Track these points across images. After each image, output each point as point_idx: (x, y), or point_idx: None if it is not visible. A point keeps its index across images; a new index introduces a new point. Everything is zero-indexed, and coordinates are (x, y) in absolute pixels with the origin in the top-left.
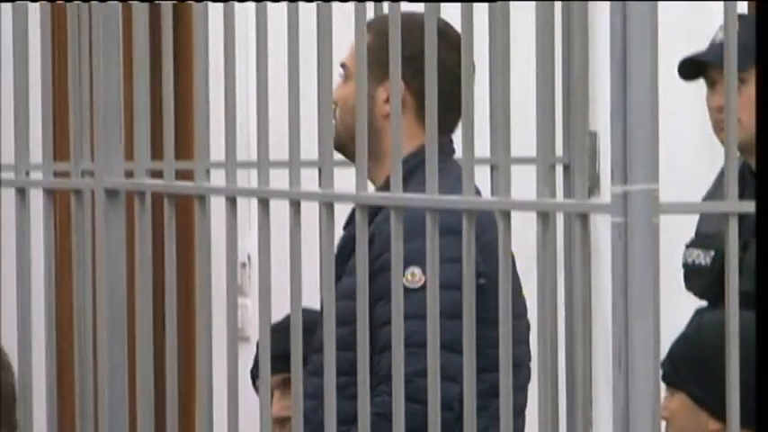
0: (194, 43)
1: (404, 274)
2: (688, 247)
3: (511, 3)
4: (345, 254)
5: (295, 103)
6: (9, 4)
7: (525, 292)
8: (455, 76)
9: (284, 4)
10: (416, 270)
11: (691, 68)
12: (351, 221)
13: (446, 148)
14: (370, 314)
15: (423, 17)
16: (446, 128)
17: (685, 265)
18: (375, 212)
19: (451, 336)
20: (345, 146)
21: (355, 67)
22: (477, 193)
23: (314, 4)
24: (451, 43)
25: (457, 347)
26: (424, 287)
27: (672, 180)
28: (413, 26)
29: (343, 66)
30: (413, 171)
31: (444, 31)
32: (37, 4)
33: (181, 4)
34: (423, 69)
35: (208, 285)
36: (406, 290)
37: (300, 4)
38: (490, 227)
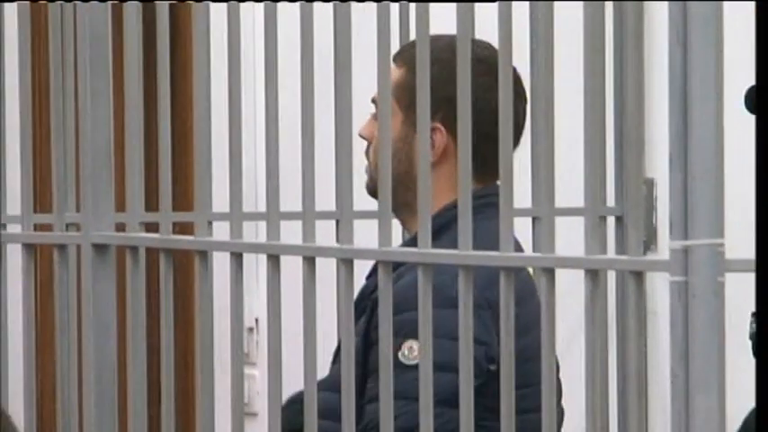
0: (194, 77)
1: (400, 348)
2: (756, 315)
3: (556, 35)
4: (359, 310)
5: (309, 145)
6: None
7: (572, 360)
8: None
9: (297, 29)
10: (414, 344)
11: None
12: (374, 272)
13: (490, 198)
14: (361, 387)
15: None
16: (495, 175)
17: (753, 337)
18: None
19: (450, 426)
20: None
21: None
22: (519, 248)
23: (331, 35)
24: (493, 67)
25: None
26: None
27: (739, 234)
28: (447, 57)
29: (374, 101)
30: (453, 222)
31: (490, 62)
32: (14, 33)
33: (178, 33)
34: None
35: (210, 353)
36: (400, 365)
37: (316, 32)
38: (521, 299)
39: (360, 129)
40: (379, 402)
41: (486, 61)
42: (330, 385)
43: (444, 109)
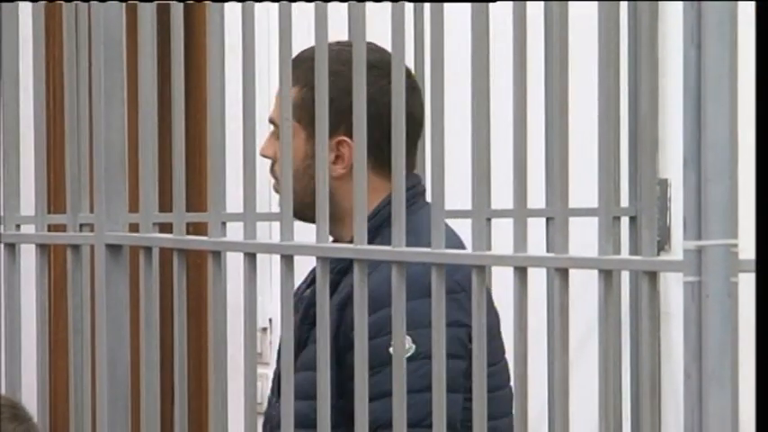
0: (209, 78)
1: (389, 344)
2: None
3: (570, 36)
4: (311, 316)
5: (323, 147)
6: None
7: (586, 360)
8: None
9: (312, 28)
10: (405, 337)
11: None
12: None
13: (417, 189)
14: (345, 388)
15: (344, 51)
16: (410, 167)
17: None
18: (344, 270)
19: (447, 412)
20: (294, 210)
21: (281, 133)
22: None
23: (346, 35)
24: (386, 70)
25: (452, 423)
26: (414, 357)
27: (753, 234)
28: (339, 69)
29: (271, 122)
30: (385, 223)
31: (383, 66)
32: (29, 33)
33: (193, 34)
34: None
35: (223, 353)
36: (393, 360)
37: (331, 32)
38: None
39: (261, 148)
40: (381, 401)
41: (379, 65)
42: (297, 394)
43: (347, 120)
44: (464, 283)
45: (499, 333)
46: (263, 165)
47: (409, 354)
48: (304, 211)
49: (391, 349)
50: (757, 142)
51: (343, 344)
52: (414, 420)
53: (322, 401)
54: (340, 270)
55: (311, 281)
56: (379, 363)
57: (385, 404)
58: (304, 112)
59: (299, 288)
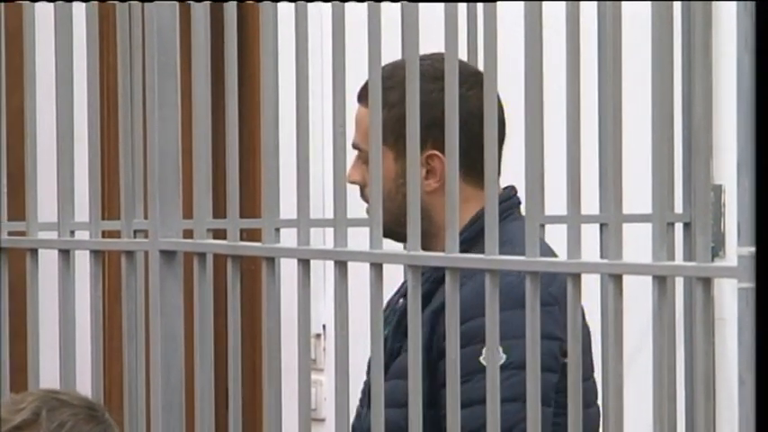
0: (262, 84)
1: (482, 352)
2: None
3: (624, 41)
4: (405, 326)
5: (376, 153)
6: (52, 37)
7: (641, 364)
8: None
9: (365, 44)
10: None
11: None
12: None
13: (513, 200)
14: (436, 397)
15: (422, 64)
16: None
17: None
18: (440, 280)
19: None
20: (391, 231)
21: (370, 147)
22: (552, 252)
23: (397, 40)
24: (469, 80)
25: None
26: (506, 367)
27: None
28: (424, 83)
29: (355, 146)
30: (481, 234)
31: (462, 74)
32: (83, 40)
33: (246, 40)
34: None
35: (277, 359)
36: (485, 369)
37: (384, 37)
38: None
39: (348, 175)
40: (470, 409)
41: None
42: (388, 402)
43: (434, 134)
44: (558, 295)
45: (590, 349)
46: (316, 171)
47: (500, 363)
48: (400, 232)
49: (482, 358)
50: (758, 143)
51: (435, 354)
52: (504, 428)
53: (413, 410)
54: (435, 279)
55: (405, 291)
56: (469, 371)
57: (474, 412)
58: (388, 132)
59: (390, 300)
